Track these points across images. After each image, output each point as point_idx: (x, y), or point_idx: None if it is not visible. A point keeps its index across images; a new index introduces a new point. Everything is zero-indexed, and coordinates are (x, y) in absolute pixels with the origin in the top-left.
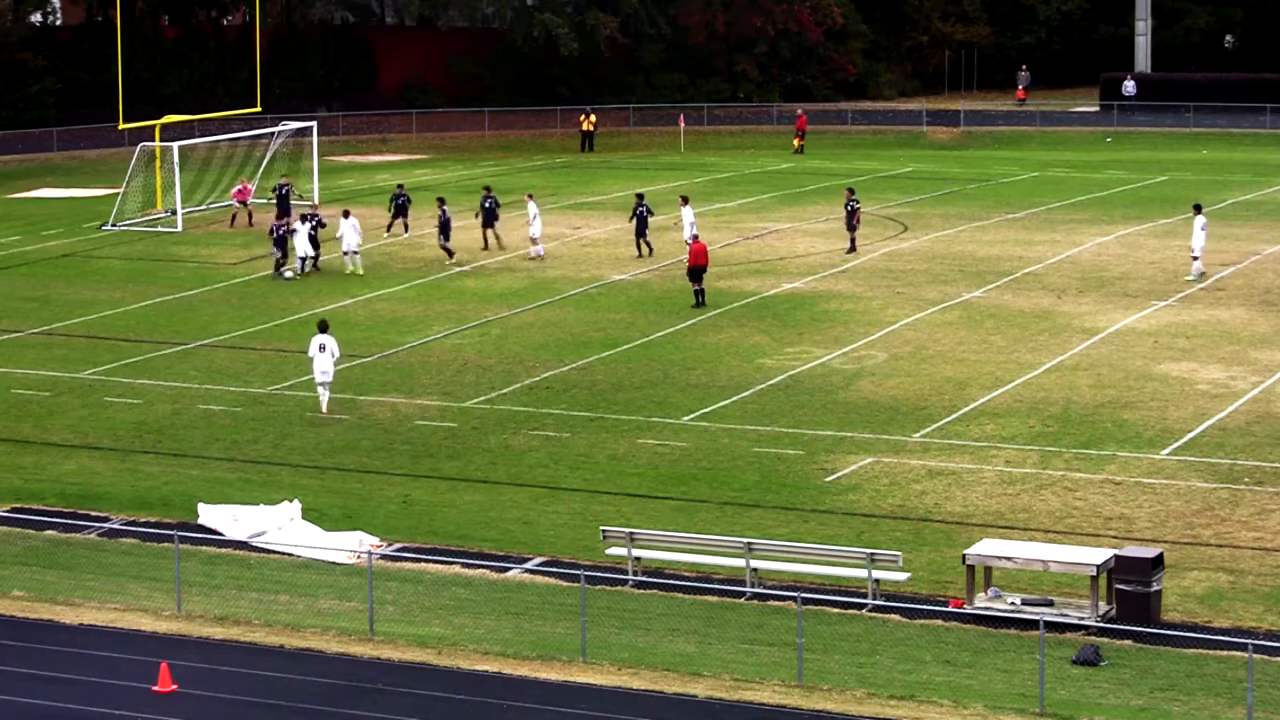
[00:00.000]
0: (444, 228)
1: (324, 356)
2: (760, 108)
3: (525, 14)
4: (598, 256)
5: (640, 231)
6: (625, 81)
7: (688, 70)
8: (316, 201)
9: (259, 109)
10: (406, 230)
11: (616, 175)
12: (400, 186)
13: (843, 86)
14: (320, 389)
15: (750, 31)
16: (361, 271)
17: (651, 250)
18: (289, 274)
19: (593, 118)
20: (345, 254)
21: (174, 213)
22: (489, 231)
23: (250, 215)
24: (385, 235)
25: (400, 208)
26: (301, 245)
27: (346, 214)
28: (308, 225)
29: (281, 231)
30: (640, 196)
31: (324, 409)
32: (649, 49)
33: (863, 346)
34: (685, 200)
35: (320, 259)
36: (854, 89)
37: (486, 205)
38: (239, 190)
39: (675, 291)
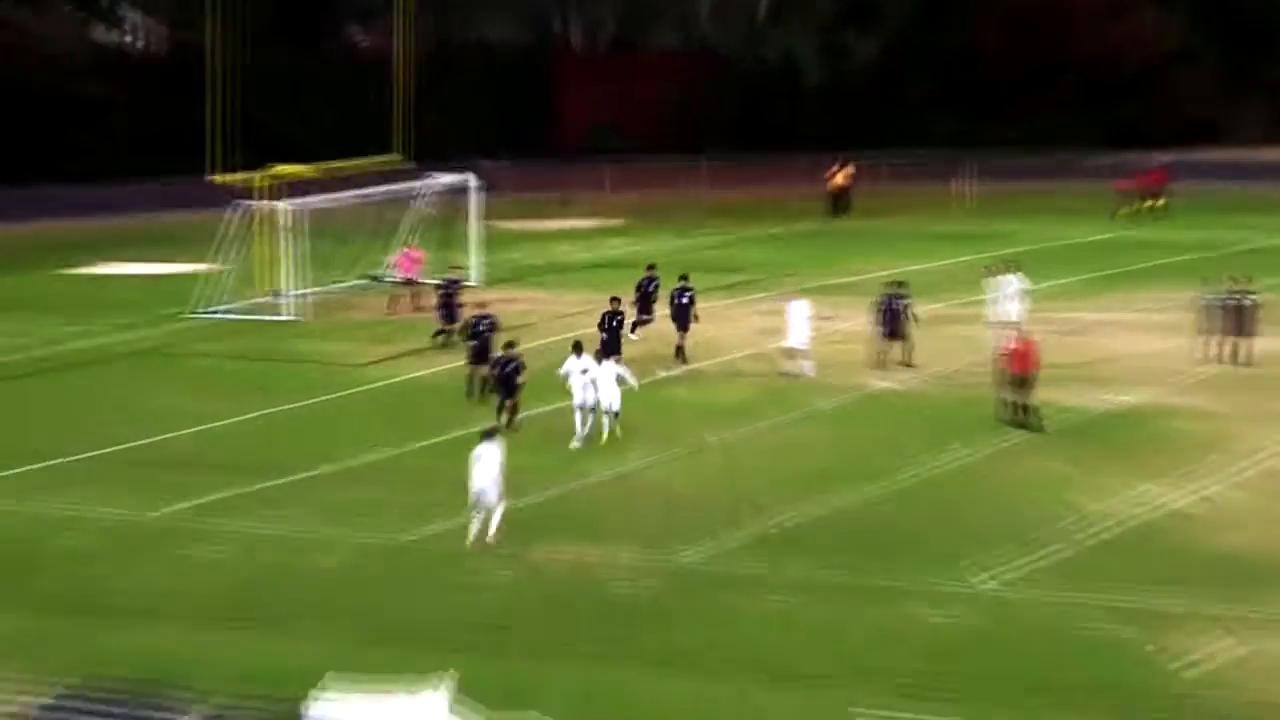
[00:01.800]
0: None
1: (482, 471)
2: (1066, 160)
3: (756, 35)
4: (854, 357)
5: (893, 330)
6: (887, 124)
7: (969, 110)
8: (473, 280)
9: (399, 158)
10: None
11: (877, 246)
12: (650, 268)
13: (1179, 131)
14: (473, 514)
15: (1054, 59)
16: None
17: (910, 359)
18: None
19: (849, 169)
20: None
21: (287, 295)
22: (684, 335)
23: (415, 299)
24: (633, 336)
25: (647, 296)
26: (610, 396)
27: (613, 355)
28: (619, 369)
29: (510, 371)
30: (900, 284)
31: (471, 537)
32: (918, 83)
33: (1219, 483)
34: (1013, 267)
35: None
36: (1195, 134)
37: (680, 300)
38: (407, 258)
39: (963, 404)
